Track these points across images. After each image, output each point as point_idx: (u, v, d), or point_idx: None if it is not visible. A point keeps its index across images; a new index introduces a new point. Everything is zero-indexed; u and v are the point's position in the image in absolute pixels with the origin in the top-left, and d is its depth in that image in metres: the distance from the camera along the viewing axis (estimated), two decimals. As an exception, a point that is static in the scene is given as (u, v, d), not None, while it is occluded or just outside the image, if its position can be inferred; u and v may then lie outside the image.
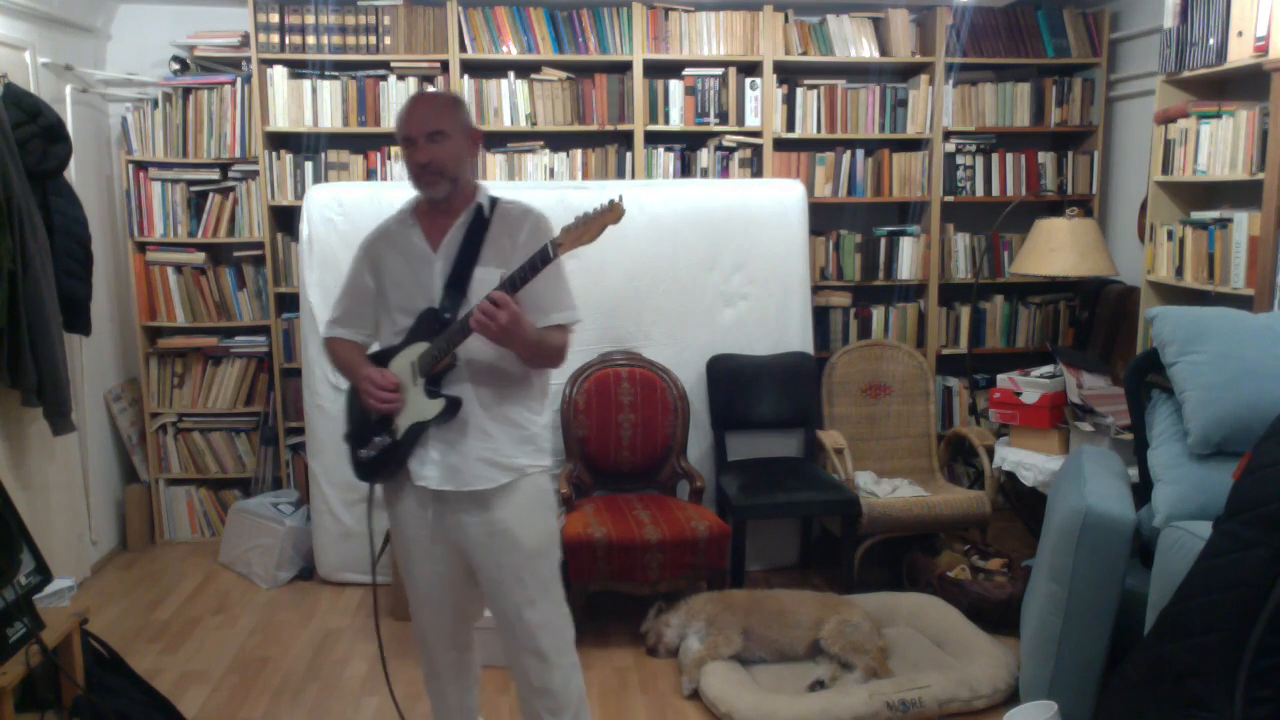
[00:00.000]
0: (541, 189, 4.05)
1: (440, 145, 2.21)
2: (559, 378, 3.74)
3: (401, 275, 2.31)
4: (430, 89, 2.28)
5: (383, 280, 2.35)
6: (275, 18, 4.18)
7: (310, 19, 4.20)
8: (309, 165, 4.29)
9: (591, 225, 2.06)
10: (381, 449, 2.31)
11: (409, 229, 2.33)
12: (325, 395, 3.88)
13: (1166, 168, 3.74)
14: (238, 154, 4.28)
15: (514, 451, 2.29)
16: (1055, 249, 3.98)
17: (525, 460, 2.31)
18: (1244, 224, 3.31)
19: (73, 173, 3.66)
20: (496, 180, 4.34)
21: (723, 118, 4.41)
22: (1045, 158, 4.62)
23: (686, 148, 4.44)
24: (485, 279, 2.21)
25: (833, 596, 3.43)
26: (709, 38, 4.35)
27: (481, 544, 2.30)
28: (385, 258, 2.35)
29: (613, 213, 2.05)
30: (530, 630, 2.32)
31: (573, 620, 2.42)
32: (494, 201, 2.33)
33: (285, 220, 4.42)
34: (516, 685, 2.43)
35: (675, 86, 4.37)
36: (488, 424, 2.27)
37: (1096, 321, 4.38)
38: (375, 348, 2.41)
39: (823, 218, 4.52)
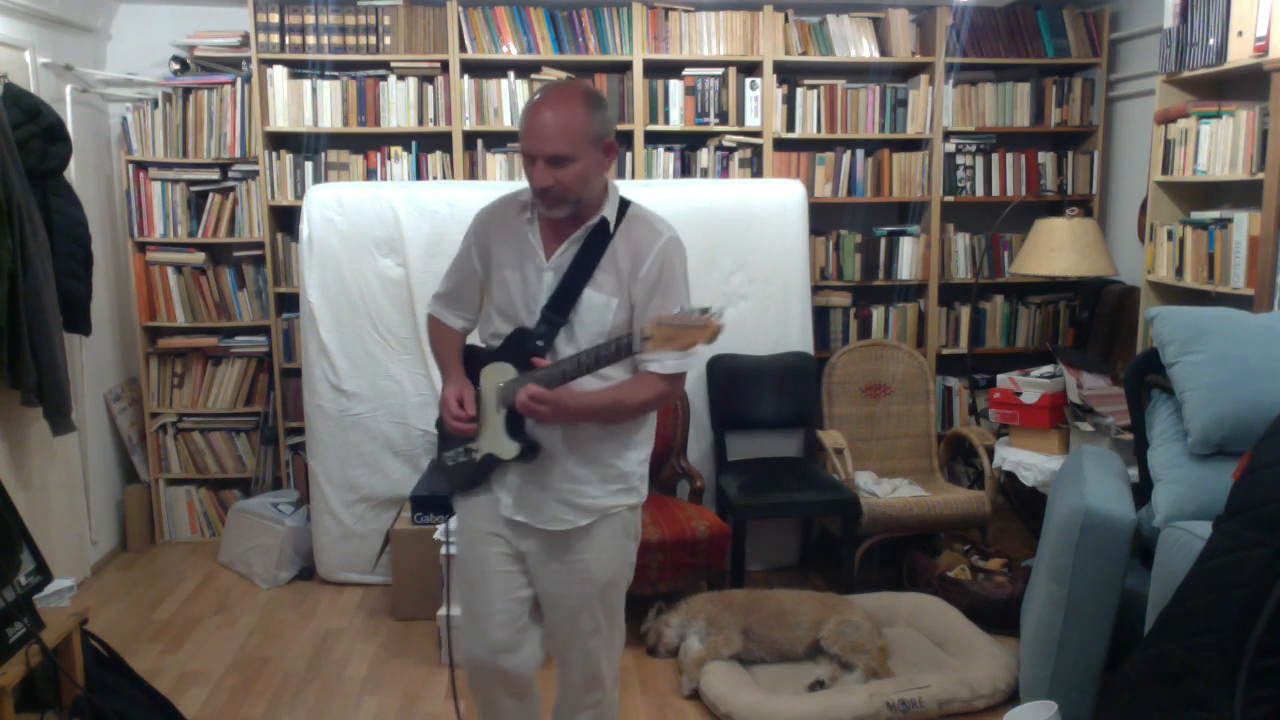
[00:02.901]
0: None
1: (563, 170, 1.94)
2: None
3: (507, 273, 2.09)
4: (563, 85, 2.04)
5: (490, 270, 2.14)
6: (275, 18, 4.18)
7: (310, 19, 4.19)
8: (309, 165, 4.29)
9: (684, 335, 1.77)
10: (465, 461, 2.16)
11: (526, 224, 2.08)
12: (325, 395, 3.88)
13: (1166, 168, 3.74)
14: (238, 154, 4.28)
15: (599, 492, 2.10)
16: (1055, 249, 3.98)
17: (611, 501, 2.12)
18: (1244, 224, 3.31)
19: (73, 173, 3.66)
20: (495, 180, 4.34)
21: (723, 118, 4.41)
22: (1045, 158, 4.62)
23: (686, 148, 4.44)
24: (594, 304, 2.00)
25: (833, 596, 3.43)
26: (709, 38, 4.35)
27: (553, 574, 2.15)
28: (496, 246, 2.12)
29: (705, 330, 1.75)
30: (591, 656, 2.22)
31: (624, 634, 2.31)
32: (624, 210, 2.07)
33: (285, 220, 4.42)
34: (560, 689, 2.35)
35: (675, 86, 4.37)
36: (573, 465, 2.07)
37: (1096, 321, 4.38)
38: (474, 338, 2.25)
39: (823, 218, 4.52)
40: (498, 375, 2.09)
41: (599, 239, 2.02)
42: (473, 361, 2.19)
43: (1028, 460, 3.78)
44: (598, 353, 1.93)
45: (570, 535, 2.11)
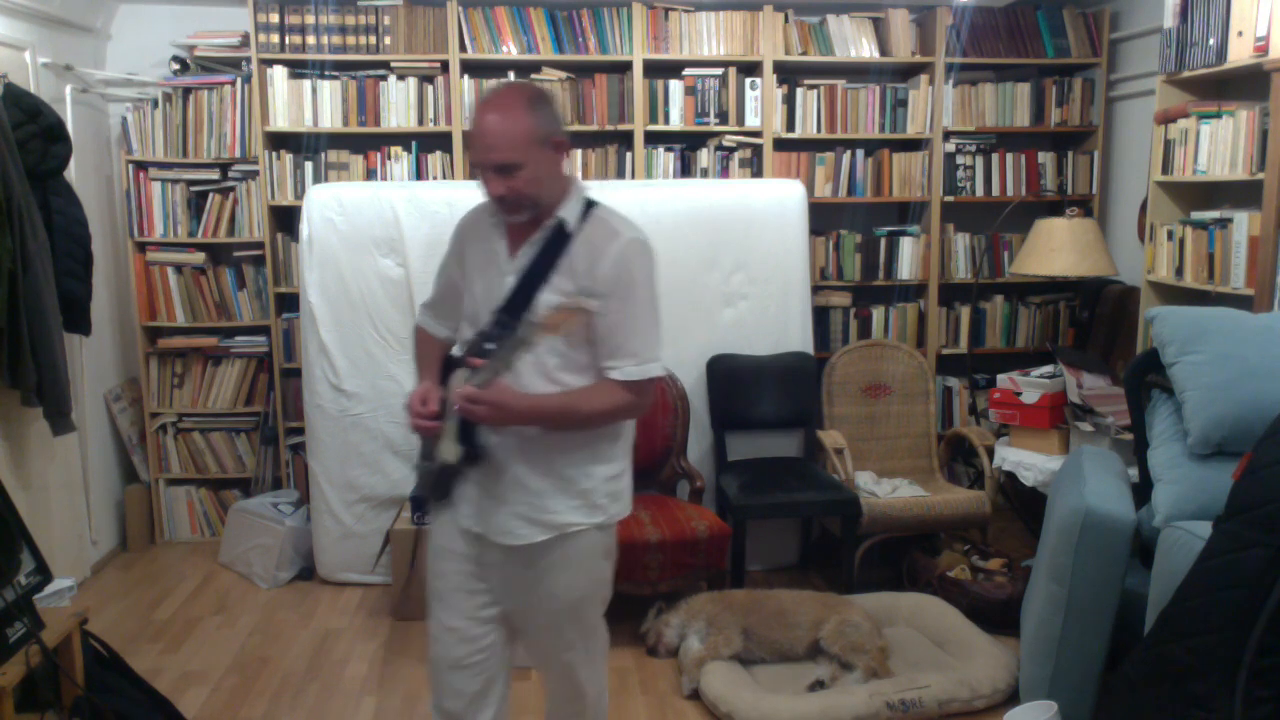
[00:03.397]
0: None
1: (514, 177, 1.89)
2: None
3: (475, 278, 2.05)
4: (502, 88, 1.96)
5: (465, 276, 2.09)
6: (275, 18, 4.18)
7: (310, 19, 4.19)
8: (309, 165, 4.29)
9: (562, 320, 1.83)
10: (427, 470, 2.10)
11: (494, 227, 2.04)
12: (325, 395, 3.88)
13: (1166, 168, 3.74)
14: (238, 154, 4.28)
15: (558, 507, 2.00)
16: (1055, 249, 3.98)
17: (570, 517, 2.01)
18: (1244, 224, 3.31)
19: (73, 173, 3.66)
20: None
21: (723, 118, 4.41)
22: (1045, 158, 4.62)
23: (686, 148, 4.44)
24: (550, 307, 1.91)
25: (833, 596, 3.43)
26: (709, 38, 4.35)
27: (517, 591, 2.08)
28: (469, 252, 2.08)
29: (574, 313, 1.83)
30: (568, 669, 2.17)
31: (608, 645, 2.26)
32: (587, 210, 1.99)
33: (285, 220, 4.42)
34: (546, 698, 2.33)
35: (675, 86, 4.37)
36: (527, 476, 1.99)
37: (1096, 321, 4.38)
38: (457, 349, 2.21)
39: (823, 218, 4.52)
40: (459, 379, 2.04)
41: (558, 240, 1.96)
42: (449, 369, 2.15)
43: (1028, 460, 3.78)
44: (511, 345, 1.88)
45: (531, 552, 2.02)
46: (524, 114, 1.89)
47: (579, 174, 4.37)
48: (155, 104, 4.24)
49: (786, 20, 4.38)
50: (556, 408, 1.96)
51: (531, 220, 1.97)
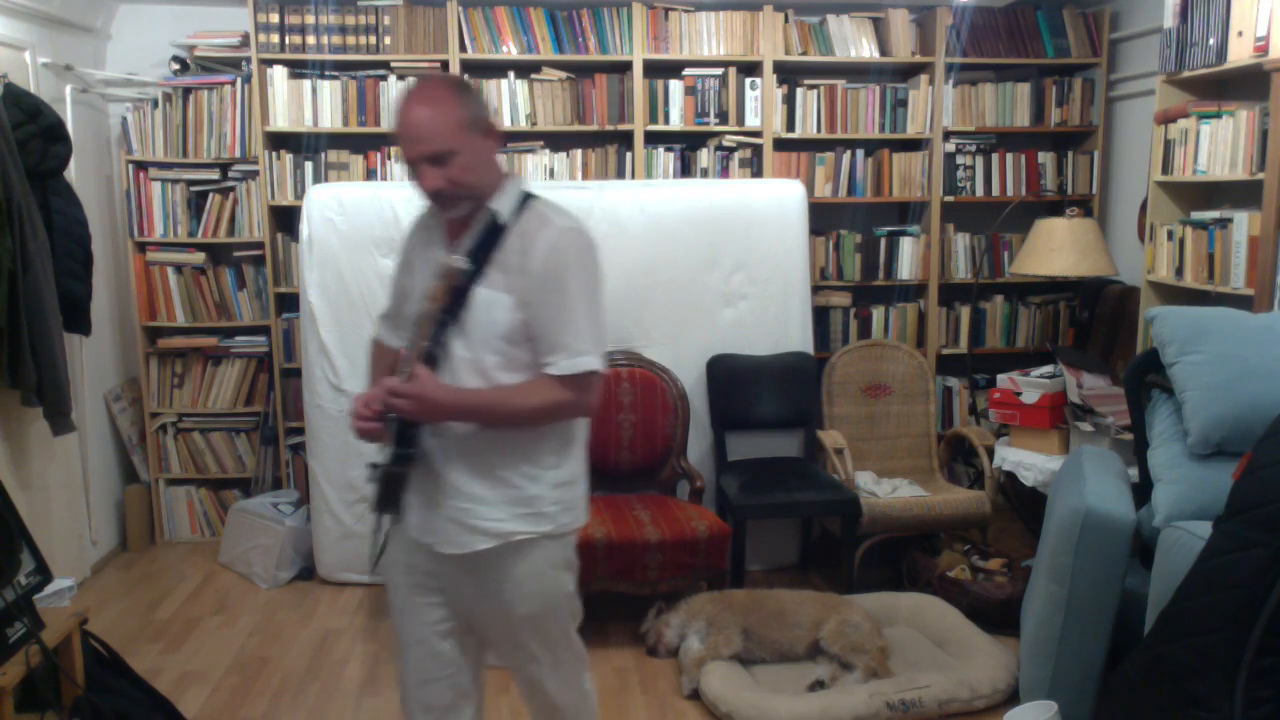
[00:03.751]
0: (542, 190, 4.05)
1: (449, 166, 1.83)
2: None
3: (419, 282, 1.98)
4: (424, 81, 1.91)
5: (412, 281, 2.03)
6: (275, 18, 4.18)
7: (310, 19, 4.20)
8: (309, 165, 4.29)
9: (440, 286, 1.86)
10: (371, 478, 1.97)
11: (434, 229, 2.00)
12: (325, 395, 3.88)
13: (1166, 168, 3.74)
14: (238, 154, 4.28)
15: (500, 515, 1.91)
16: (1055, 249, 3.98)
17: (514, 526, 1.91)
18: (1244, 224, 3.31)
19: (73, 173, 3.66)
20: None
21: (723, 118, 4.41)
22: (1045, 158, 4.62)
23: (686, 148, 4.44)
24: (485, 302, 1.86)
25: (833, 596, 3.43)
26: (709, 38, 4.35)
27: (469, 603, 2.01)
28: (416, 256, 2.04)
29: (446, 274, 1.86)
30: (534, 682, 2.10)
31: (585, 655, 2.17)
32: (523, 203, 1.92)
33: (285, 220, 4.42)
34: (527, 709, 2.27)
35: (675, 86, 4.37)
36: (463, 480, 1.90)
37: (1096, 321, 4.38)
38: None
39: (823, 218, 4.52)
40: None
41: (492, 234, 1.89)
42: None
43: (1028, 460, 3.78)
44: (416, 329, 1.88)
45: (476, 562, 1.93)
46: (452, 102, 1.84)
47: (579, 174, 4.38)
48: (155, 104, 4.24)
49: (786, 20, 4.38)
50: (486, 402, 1.88)
51: (469, 216, 1.92)
